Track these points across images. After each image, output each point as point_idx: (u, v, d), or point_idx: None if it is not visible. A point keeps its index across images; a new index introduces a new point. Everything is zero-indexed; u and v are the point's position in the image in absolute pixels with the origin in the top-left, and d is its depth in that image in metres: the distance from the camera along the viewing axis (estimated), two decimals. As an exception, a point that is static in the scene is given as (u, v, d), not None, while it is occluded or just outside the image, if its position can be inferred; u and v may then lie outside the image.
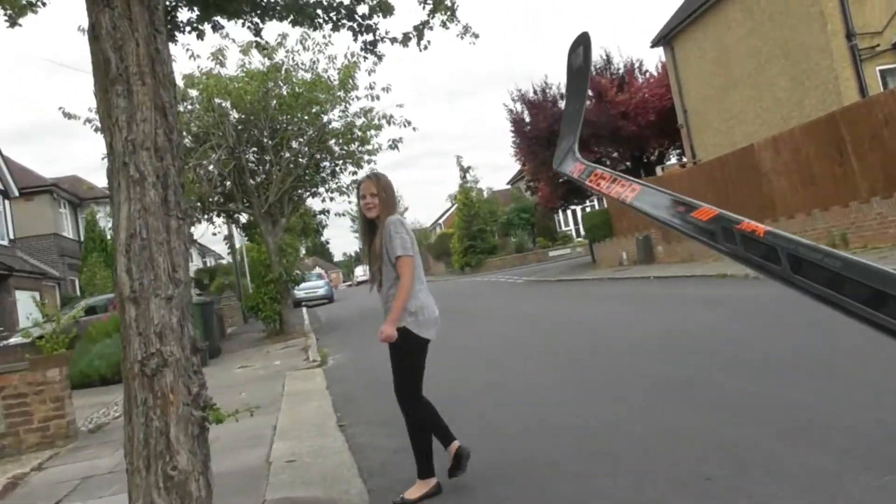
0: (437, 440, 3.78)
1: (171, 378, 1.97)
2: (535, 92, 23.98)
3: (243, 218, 18.71)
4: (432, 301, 3.66)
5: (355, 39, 4.03)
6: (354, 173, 17.44)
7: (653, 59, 53.22)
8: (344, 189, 17.62)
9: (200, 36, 3.28)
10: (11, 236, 23.26)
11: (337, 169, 17.29)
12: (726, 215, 1.45)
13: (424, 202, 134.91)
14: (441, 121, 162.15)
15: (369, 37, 4.01)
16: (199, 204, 15.89)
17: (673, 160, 25.25)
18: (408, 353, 3.57)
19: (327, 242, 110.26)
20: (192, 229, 17.19)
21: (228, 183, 15.96)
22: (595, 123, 21.10)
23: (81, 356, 13.44)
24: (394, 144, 16.60)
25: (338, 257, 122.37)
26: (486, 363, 7.95)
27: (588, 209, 31.56)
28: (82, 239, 26.90)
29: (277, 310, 15.71)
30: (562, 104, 23.40)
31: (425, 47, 4.12)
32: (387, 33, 4.08)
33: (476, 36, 4.59)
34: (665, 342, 7.18)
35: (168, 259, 2.00)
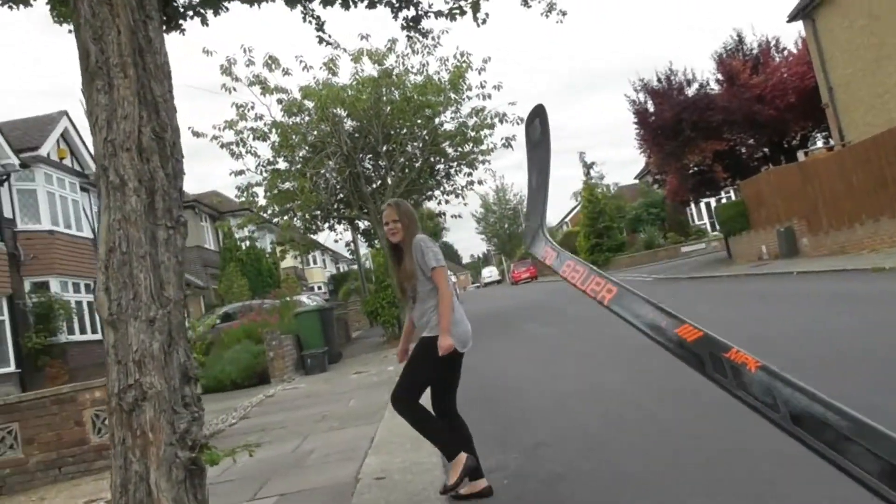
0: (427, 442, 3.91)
1: (151, 414, 1.71)
2: (658, 80, 22.67)
3: (363, 224, 19.03)
4: (465, 317, 3.84)
5: (395, 17, 3.69)
6: (469, 174, 17.24)
7: (791, 35, 49.19)
8: (459, 191, 17.44)
9: (204, 22, 3.07)
10: (159, 249, 25.16)
11: (451, 171, 17.14)
12: (713, 339, 1.25)
13: (549, 202, 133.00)
14: (560, 118, 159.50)
15: (410, 12, 3.66)
16: (318, 212, 16.28)
17: (819, 143, 22.97)
18: (435, 362, 3.65)
19: (453, 246, 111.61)
20: (316, 236, 17.69)
21: (345, 191, 16.23)
22: (727, 109, 19.57)
23: (215, 362, 14.11)
24: (508, 143, 16.19)
25: (465, 259, 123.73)
26: (601, 367, 7.36)
27: (722, 200, 29.52)
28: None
29: (395, 314, 15.75)
30: (688, 91, 21.98)
31: (483, 21, 3.71)
32: (430, 6, 3.70)
33: (563, 13, 4.12)
34: (808, 347, 6.28)
35: (152, 275, 1.75)
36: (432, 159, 16.52)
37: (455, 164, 16.96)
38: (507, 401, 6.59)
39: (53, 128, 17.46)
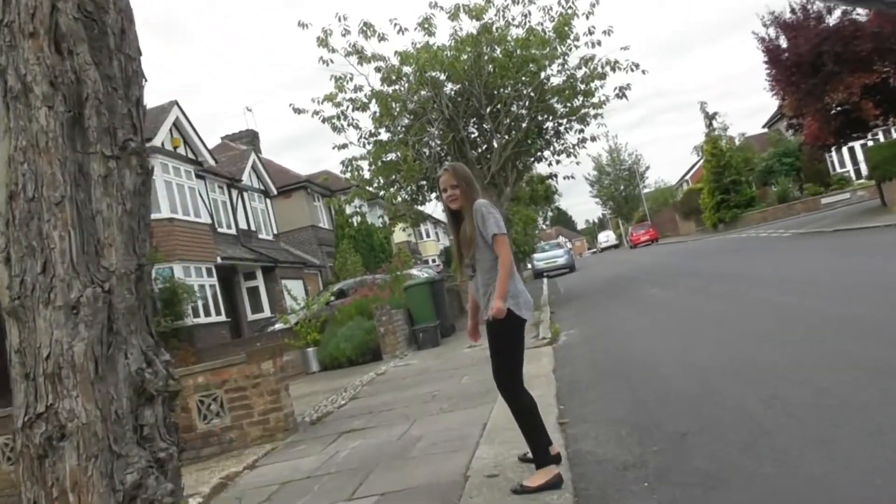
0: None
1: (73, 460, 1.09)
2: (792, 11, 20.25)
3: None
4: (525, 289, 3.69)
5: None
6: (581, 131, 16.11)
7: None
8: (570, 150, 16.36)
9: None
10: (275, 231, 25.73)
11: (561, 129, 16.06)
12: None
13: (667, 160, 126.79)
14: (676, 74, 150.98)
15: None
16: (424, 182, 15.75)
17: None
18: (508, 333, 3.52)
19: (567, 211, 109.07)
20: (423, 207, 17.20)
21: (450, 158, 15.59)
22: (878, 35, 17.10)
23: (330, 339, 14.03)
24: (621, 93, 14.89)
25: (581, 225, 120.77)
26: (745, 336, 6.28)
27: (871, 143, 26.32)
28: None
29: (508, 284, 15.04)
30: (829, 20, 19.45)
31: None
32: None
33: None
34: None
35: (75, 233, 1.15)
36: (539, 117, 15.52)
37: (565, 120, 15.87)
38: (639, 378, 5.71)
39: (165, 118, 17.97)
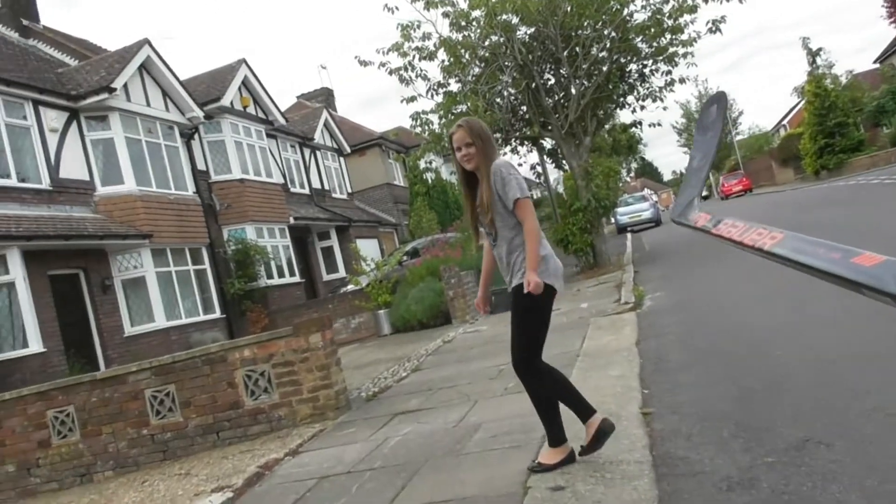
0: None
1: None
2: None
3: (548, 144, 17.28)
4: (553, 253, 3.33)
5: None
6: (668, 73, 14.68)
7: None
8: (656, 93, 14.99)
9: None
10: (349, 190, 25.43)
11: (646, 71, 14.70)
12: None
13: (761, 105, 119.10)
14: (773, 6, 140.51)
15: None
16: (497, 134, 14.81)
17: None
18: (535, 304, 3.16)
19: (652, 163, 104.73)
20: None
21: (524, 107, 14.57)
22: None
23: (401, 301, 13.55)
24: (715, 27, 13.38)
25: (667, 176, 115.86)
26: (881, 315, 5.20)
27: None
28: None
29: (588, 241, 14.03)
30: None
31: None
32: None
33: None
34: None
35: None
36: (622, 59, 14.21)
37: (650, 62, 14.49)
38: (744, 360, 4.78)
39: (234, 77, 17.68)
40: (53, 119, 12.42)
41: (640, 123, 15.84)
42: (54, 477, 6.32)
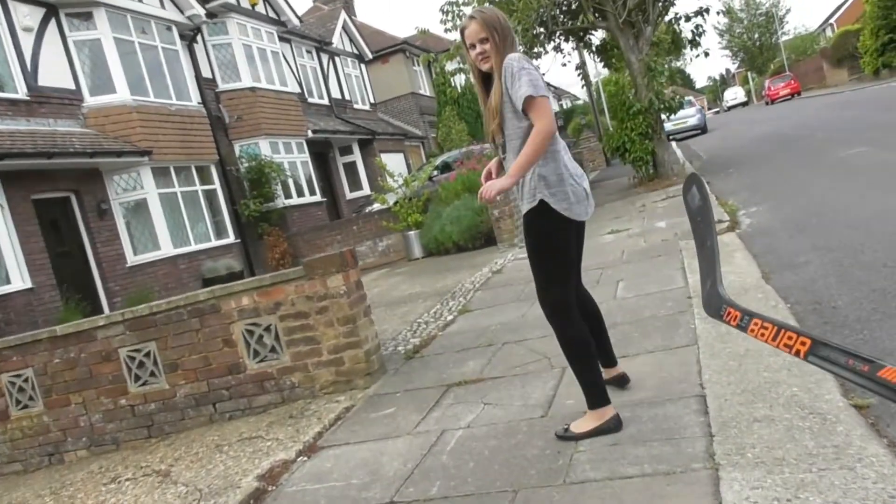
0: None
1: None
2: None
3: (596, 39, 15.13)
4: (579, 171, 2.77)
5: None
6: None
7: None
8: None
9: None
10: (372, 100, 23.46)
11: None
12: None
13: (805, 3, 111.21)
14: None
15: None
16: (541, 29, 12.77)
17: None
18: (545, 236, 2.69)
19: (688, 66, 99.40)
20: (540, 61, 14.29)
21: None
22: None
23: (435, 221, 12.01)
24: None
25: (701, 83, 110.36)
26: None
27: None
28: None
29: (650, 148, 12.16)
30: None
31: None
32: None
33: None
34: None
35: None
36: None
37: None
38: None
39: (238, -31, 15.57)
40: (26, 16, 10.65)
41: (707, 11, 13.57)
42: (17, 457, 5.04)
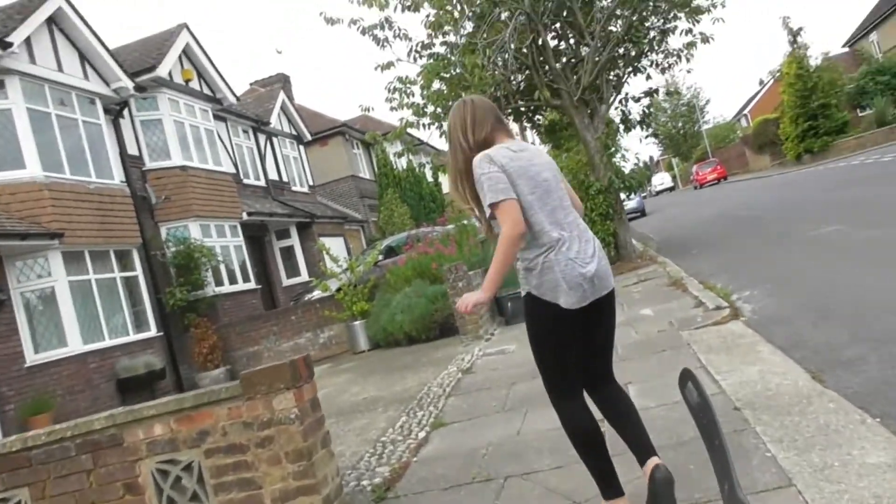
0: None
1: None
2: None
3: (544, 119, 14.83)
4: (585, 252, 2.49)
5: None
6: (688, 31, 12.39)
7: None
8: (674, 52, 12.72)
9: None
10: (311, 182, 22.59)
11: (668, 27, 12.38)
12: None
13: (718, 93, 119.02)
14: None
15: None
16: (498, 94, 12.27)
17: None
18: (537, 328, 2.56)
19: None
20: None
21: (528, 70, 12.09)
22: None
23: (383, 309, 10.97)
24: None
25: (626, 168, 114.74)
26: None
27: None
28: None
29: (611, 229, 11.58)
30: None
31: None
32: None
33: None
34: None
35: None
36: (643, 13, 11.82)
37: (671, 15, 12.16)
38: None
39: (172, 43, 14.71)
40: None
41: (657, 91, 13.48)
42: None
